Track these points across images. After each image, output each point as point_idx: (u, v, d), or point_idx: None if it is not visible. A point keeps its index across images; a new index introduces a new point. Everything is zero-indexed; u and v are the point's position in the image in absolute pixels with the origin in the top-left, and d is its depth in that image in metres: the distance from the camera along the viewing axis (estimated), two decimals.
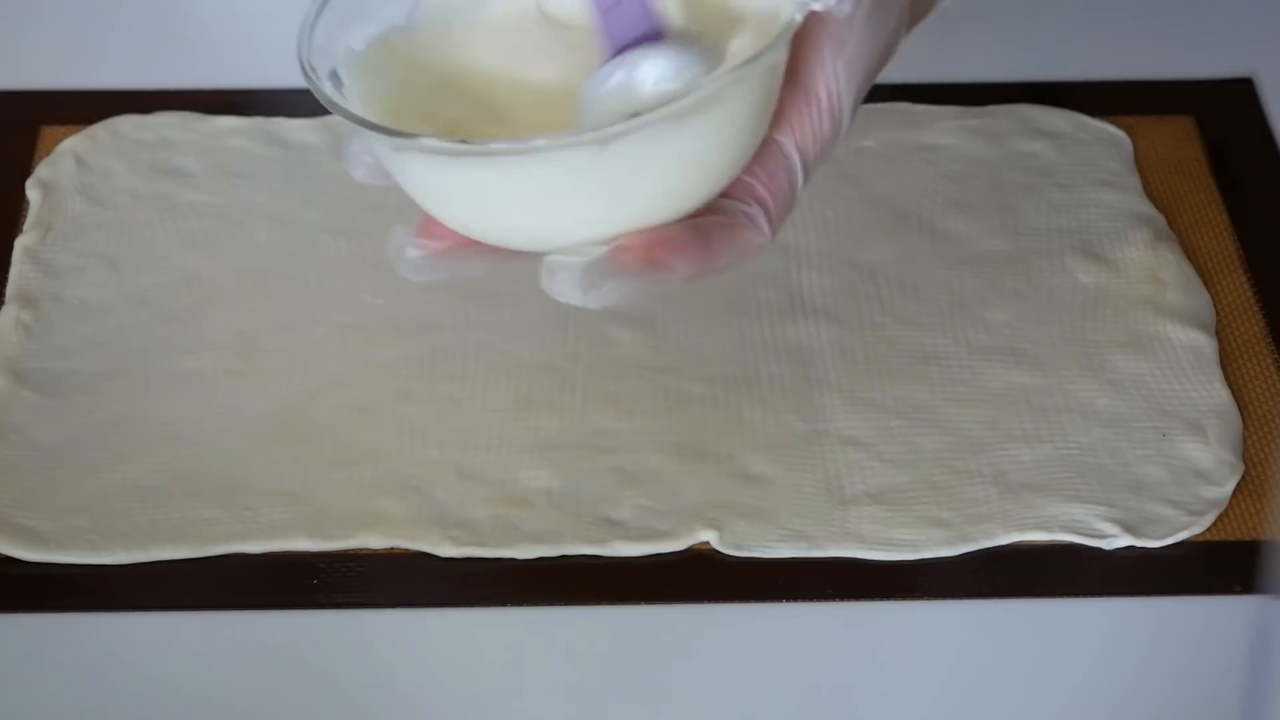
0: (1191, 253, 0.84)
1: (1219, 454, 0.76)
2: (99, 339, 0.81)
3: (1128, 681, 0.71)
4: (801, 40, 0.65)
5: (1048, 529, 0.74)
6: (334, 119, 0.89)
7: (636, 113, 0.60)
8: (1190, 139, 0.90)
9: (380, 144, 0.64)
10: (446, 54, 0.68)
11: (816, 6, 0.63)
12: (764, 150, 0.65)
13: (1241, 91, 0.92)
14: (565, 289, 0.63)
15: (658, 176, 0.63)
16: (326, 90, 0.65)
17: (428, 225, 0.66)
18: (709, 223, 0.64)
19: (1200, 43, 0.94)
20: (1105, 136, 0.90)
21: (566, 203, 0.63)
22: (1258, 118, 0.91)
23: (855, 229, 0.85)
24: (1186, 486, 0.76)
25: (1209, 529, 0.74)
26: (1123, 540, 0.74)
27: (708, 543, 0.74)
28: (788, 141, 0.66)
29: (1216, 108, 0.91)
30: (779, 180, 0.65)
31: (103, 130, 0.90)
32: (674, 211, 0.64)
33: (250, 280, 0.83)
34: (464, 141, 0.62)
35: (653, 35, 0.64)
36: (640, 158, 0.62)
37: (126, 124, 0.90)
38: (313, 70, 0.65)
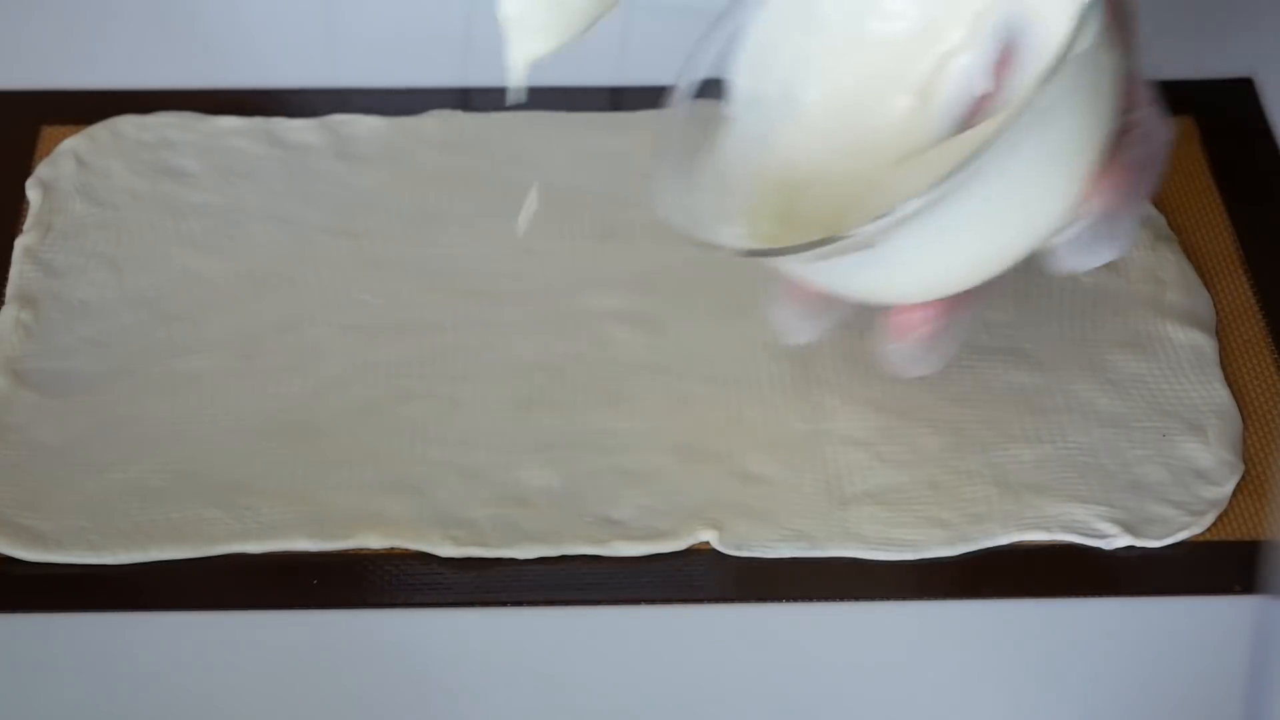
0: (1191, 253, 0.84)
1: (1219, 454, 0.76)
2: (99, 339, 0.81)
3: (1128, 681, 0.71)
4: None
5: (1048, 529, 0.74)
6: (334, 119, 0.90)
7: (1053, 68, 0.62)
8: (1190, 139, 0.90)
9: (846, 255, 0.65)
10: (773, 159, 0.71)
11: None
12: None
13: (1241, 91, 0.92)
14: (1091, 257, 0.65)
15: (1087, 115, 0.64)
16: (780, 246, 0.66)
17: (899, 326, 0.68)
18: (1133, 139, 0.66)
19: (1200, 43, 0.94)
20: None
21: (1042, 184, 0.64)
22: (1258, 118, 0.91)
23: None
24: (1186, 486, 0.76)
25: (1209, 529, 0.74)
26: (1123, 540, 0.74)
27: (708, 543, 0.74)
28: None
29: (1216, 108, 0.91)
30: (1133, 78, 0.67)
31: (103, 130, 0.90)
32: (1104, 149, 0.65)
33: (250, 280, 0.83)
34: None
35: None
36: (1068, 104, 0.63)
37: (126, 124, 0.90)
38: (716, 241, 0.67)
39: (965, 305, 0.68)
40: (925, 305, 0.67)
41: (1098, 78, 0.66)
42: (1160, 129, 0.68)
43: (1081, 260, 0.66)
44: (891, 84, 0.72)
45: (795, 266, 0.68)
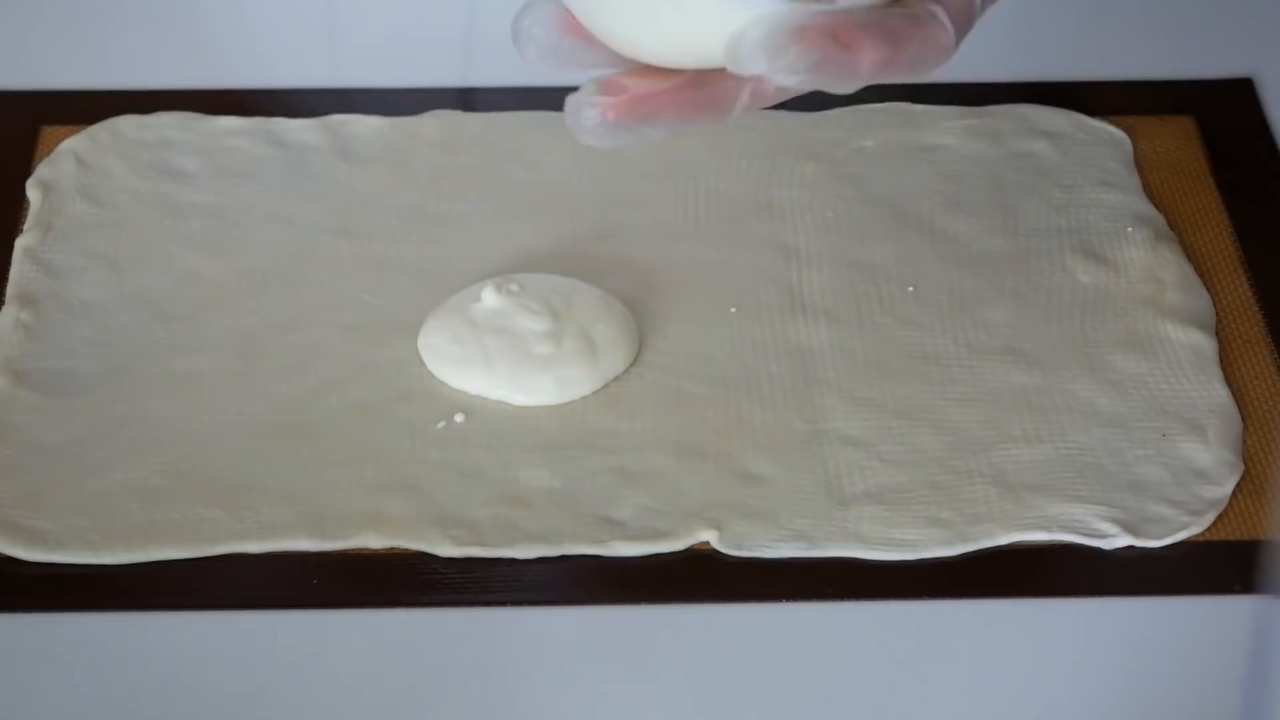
0: (1191, 253, 0.84)
1: (1219, 454, 0.76)
2: (99, 339, 0.81)
3: (1128, 681, 0.71)
4: None
5: (1048, 529, 0.74)
6: (334, 119, 0.90)
7: None
8: (1190, 139, 0.90)
9: None
10: None
11: None
12: None
13: (1241, 91, 0.92)
14: (750, 55, 0.60)
15: None
16: None
17: (608, 84, 0.63)
18: (893, 12, 0.62)
19: (1200, 43, 0.94)
20: (1105, 136, 0.90)
21: None
22: (1258, 118, 0.91)
23: (855, 229, 0.85)
24: (1186, 486, 0.76)
25: (1209, 529, 0.74)
26: (1122, 540, 0.74)
27: (708, 543, 0.74)
28: None
29: (1216, 108, 0.91)
30: None
31: (103, 130, 0.90)
32: None
33: (250, 280, 0.83)
34: None
35: None
36: None
37: (126, 124, 0.90)
38: None
39: (663, 108, 0.63)
40: (637, 79, 0.63)
41: None
42: (935, 35, 0.63)
43: (738, 55, 0.60)
44: None
45: None
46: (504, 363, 0.78)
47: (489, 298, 0.79)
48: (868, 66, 0.61)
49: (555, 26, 0.64)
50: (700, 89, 0.63)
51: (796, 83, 0.61)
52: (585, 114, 0.63)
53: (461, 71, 0.93)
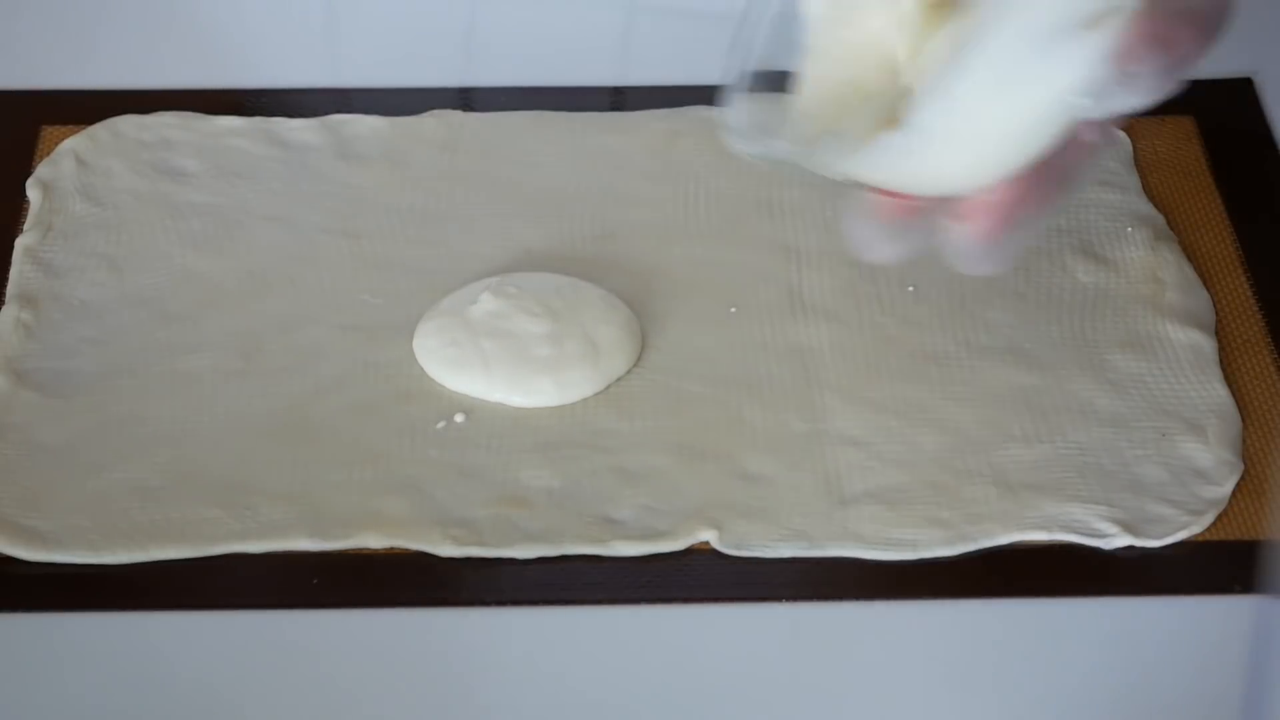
0: (1191, 253, 0.84)
1: (1219, 454, 0.76)
2: (99, 339, 0.81)
3: (1128, 681, 0.71)
4: None
5: (1048, 529, 0.74)
6: (334, 119, 0.90)
7: None
8: (1190, 139, 0.90)
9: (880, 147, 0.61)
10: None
11: None
12: None
13: (1241, 91, 0.92)
14: (1113, 89, 0.62)
15: None
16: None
17: (964, 211, 0.63)
18: None
19: None
20: None
21: (1049, 43, 0.61)
22: (1258, 118, 0.91)
23: None
24: (1186, 486, 0.76)
25: (1209, 529, 0.74)
26: (1122, 540, 0.74)
27: (708, 542, 0.74)
28: None
29: (1216, 108, 0.91)
30: None
31: (103, 130, 0.90)
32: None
33: (250, 280, 0.83)
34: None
35: None
36: None
37: (126, 124, 0.90)
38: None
39: (1030, 201, 0.63)
40: (989, 195, 0.63)
41: None
42: None
43: (1110, 101, 0.62)
44: None
45: (834, 167, 0.64)
46: (502, 365, 0.78)
47: (487, 301, 0.79)
48: (1192, 52, 0.64)
49: (882, 215, 0.63)
50: (1049, 169, 0.63)
51: (1146, 99, 0.63)
52: (969, 251, 0.63)
53: (461, 71, 0.93)
